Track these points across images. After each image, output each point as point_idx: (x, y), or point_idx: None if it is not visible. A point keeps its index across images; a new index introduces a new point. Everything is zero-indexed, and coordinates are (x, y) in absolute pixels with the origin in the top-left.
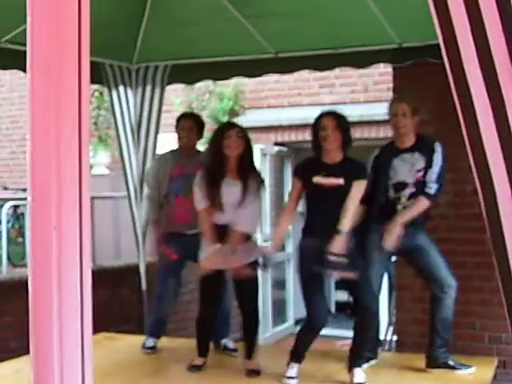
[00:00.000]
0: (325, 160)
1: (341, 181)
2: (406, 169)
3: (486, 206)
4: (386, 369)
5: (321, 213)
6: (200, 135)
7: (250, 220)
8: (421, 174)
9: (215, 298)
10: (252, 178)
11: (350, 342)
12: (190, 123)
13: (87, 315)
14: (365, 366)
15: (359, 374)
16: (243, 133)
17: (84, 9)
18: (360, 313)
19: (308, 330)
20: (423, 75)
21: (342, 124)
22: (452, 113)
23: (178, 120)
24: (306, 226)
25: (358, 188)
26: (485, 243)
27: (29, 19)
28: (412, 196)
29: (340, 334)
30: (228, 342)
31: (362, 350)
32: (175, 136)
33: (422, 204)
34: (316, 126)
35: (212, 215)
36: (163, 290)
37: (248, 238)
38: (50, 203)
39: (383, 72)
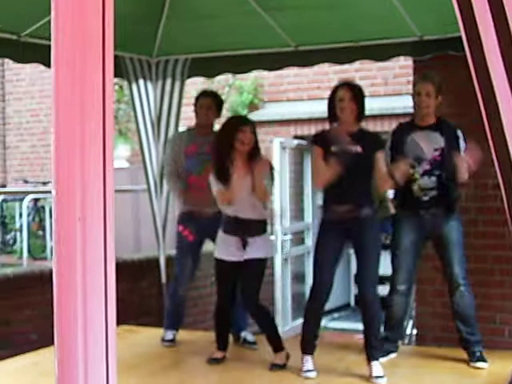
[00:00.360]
0: (342, 129)
1: (359, 149)
2: (422, 145)
3: (508, 200)
4: (405, 362)
5: (341, 181)
6: (218, 114)
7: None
8: (438, 153)
9: (231, 291)
10: (261, 164)
11: None
12: (208, 101)
13: (111, 307)
14: (384, 359)
15: (377, 367)
16: (255, 128)
17: (108, 1)
18: (362, 306)
19: (311, 305)
20: (444, 68)
21: (358, 95)
22: (473, 106)
23: (197, 98)
24: (327, 196)
25: (381, 159)
26: (506, 237)
27: (53, 13)
28: (426, 174)
29: (359, 328)
30: (247, 335)
31: (374, 342)
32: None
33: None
34: (333, 97)
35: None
36: (180, 271)
37: (264, 230)
38: (74, 195)
39: (403, 65)
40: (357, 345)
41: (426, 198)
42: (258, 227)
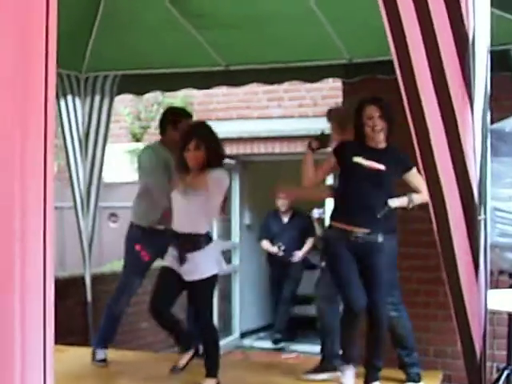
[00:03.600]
0: (369, 144)
1: (382, 167)
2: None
3: (437, 221)
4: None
5: (354, 195)
6: None
7: None
8: None
9: (165, 292)
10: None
11: (294, 355)
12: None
13: (50, 328)
14: (324, 376)
15: None
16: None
17: (52, 20)
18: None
19: (349, 318)
20: (372, 91)
21: (386, 112)
22: (401, 128)
23: (176, 118)
24: (337, 209)
25: (416, 177)
26: (430, 258)
27: None
28: None
29: (286, 347)
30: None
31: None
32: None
33: None
34: (360, 114)
35: None
36: (127, 289)
37: (202, 245)
38: (13, 214)
39: (332, 87)
40: (284, 364)
41: None
42: (196, 241)
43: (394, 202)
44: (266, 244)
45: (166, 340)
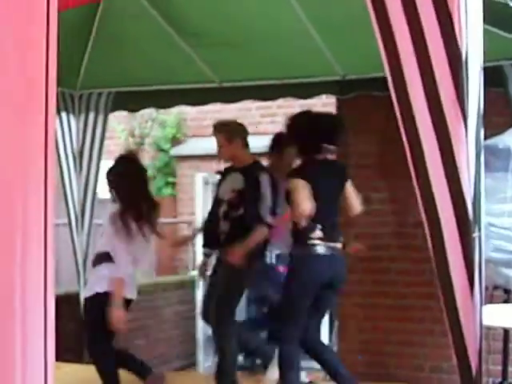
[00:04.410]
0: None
1: None
2: (224, 187)
3: (432, 237)
4: None
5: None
6: None
7: None
8: (235, 194)
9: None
10: None
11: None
12: None
13: (51, 348)
14: None
15: None
16: None
17: (52, 42)
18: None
19: None
20: (366, 107)
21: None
22: (396, 144)
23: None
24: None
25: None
26: (426, 274)
27: None
28: (225, 214)
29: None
30: None
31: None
32: None
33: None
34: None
35: None
36: None
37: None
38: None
39: (325, 103)
40: None
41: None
42: (98, 259)
43: None
44: None
45: (161, 357)
